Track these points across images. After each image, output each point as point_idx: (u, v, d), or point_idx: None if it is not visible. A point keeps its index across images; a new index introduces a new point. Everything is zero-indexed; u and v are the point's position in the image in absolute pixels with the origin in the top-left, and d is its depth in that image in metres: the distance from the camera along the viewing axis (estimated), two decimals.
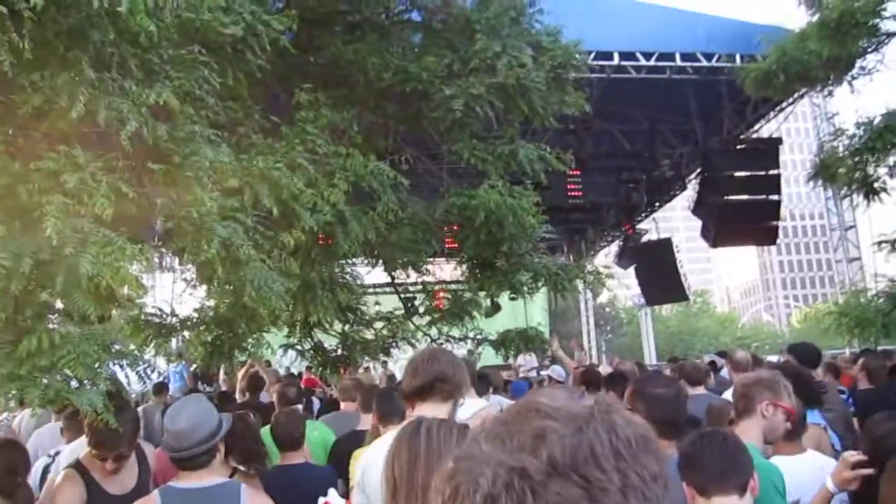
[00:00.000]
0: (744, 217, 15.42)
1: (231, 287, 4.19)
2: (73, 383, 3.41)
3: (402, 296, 9.54)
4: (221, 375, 11.67)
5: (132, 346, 5.05)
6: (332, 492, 3.59)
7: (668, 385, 3.65)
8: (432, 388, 3.05)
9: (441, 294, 9.77)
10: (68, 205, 3.19)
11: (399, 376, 14.08)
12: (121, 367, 3.90)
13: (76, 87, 3.33)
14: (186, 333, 5.55)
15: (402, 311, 9.37)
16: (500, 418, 0.90)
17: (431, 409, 3.04)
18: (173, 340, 6.23)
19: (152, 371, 4.11)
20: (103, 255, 3.20)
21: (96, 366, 3.44)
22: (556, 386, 8.79)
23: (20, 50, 2.92)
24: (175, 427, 3.11)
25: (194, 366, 11.48)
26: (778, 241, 16.90)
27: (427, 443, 2.23)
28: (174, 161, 3.75)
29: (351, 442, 5.27)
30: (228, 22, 4.44)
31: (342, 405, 6.82)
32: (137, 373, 3.99)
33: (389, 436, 3.12)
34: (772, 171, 14.92)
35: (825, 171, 10.46)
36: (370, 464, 3.05)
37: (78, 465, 3.82)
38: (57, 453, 5.36)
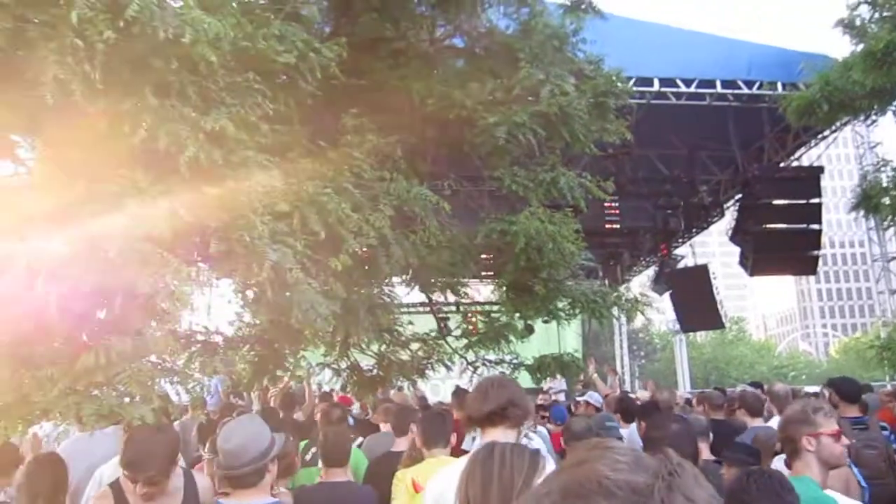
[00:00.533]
0: (783, 246, 15.28)
1: (278, 308, 4.28)
2: (125, 398, 3.52)
3: (438, 316, 9.60)
4: (254, 392, 11.81)
5: (179, 363, 5.17)
6: None
7: (663, 425, 3.70)
8: (504, 414, 3.10)
9: (475, 316, 9.82)
10: (130, 228, 3.31)
11: (431, 398, 14.14)
12: (171, 383, 4.01)
13: (139, 114, 3.46)
14: (230, 351, 5.66)
15: (436, 333, 9.42)
16: (562, 485, 0.92)
17: (501, 435, 3.09)
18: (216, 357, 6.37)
19: (202, 389, 4.20)
20: (160, 276, 3.31)
21: (149, 383, 3.54)
22: (611, 438, 8.76)
23: (91, 80, 3.05)
24: (228, 446, 3.19)
25: (228, 381, 11.62)
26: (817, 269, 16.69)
27: (500, 466, 2.29)
28: (228, 185, 3.87)
29: (385, 463, 5.34)
30: (282, 50, 4.58)
31: (382, 427, 6.88)
32: (188, 390, 4.09)
33: (458, 462, 3.17)
34: (813, 200, 14.79)
35: (867, 201, 10.38)
36: (441, 489, 3.08)
37: (115, 486, 3.53)
38: None
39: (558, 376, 11.74)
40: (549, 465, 2.43)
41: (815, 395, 8.01)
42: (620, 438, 5.72)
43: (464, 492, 2.31)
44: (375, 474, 5.32)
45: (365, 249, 5.23)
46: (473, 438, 5.32)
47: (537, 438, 6.19)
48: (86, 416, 3.29)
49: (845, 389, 6.26)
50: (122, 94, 3.49)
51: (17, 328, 3.25)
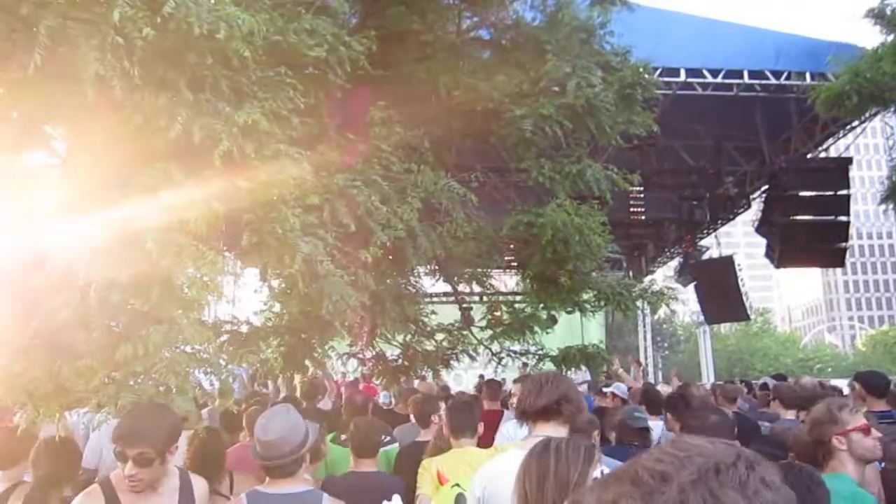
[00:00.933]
0: (810, 238, 15.13)
1: (309, 299, 4.34)
2: (161, 388, 3.60)
3: (462, 306, 9.65)
4: (280, 380, 11.97)
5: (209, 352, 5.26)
6: (396, 497, 3.71)
7: (702, 416, 3.70)
8: (558, 409, 3.15)
9: (500, 307, 9.86)
10: (165, 220, 3.38)
11: (454, 387, 14.21)
12: (204, 373, 4.08)
13: (174, 108, 3.52)
14: (260, 341, 5.74)
15: (461, 323, 9.48)
16: (612, 473, 0.98)
17: (552, 430, 3.13)
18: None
19: (234, 380, 4.27)
20: (196, 267, 3.38)
21: (184, 372, 3.62)
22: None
23: (130, 75, 3.12)
24: (266, 437, 3.26)
25: (252, 368, 11.76)
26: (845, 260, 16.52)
27: (556, 461, 2.35)
28: (261, 178, 3.92)
29: (410, 453, 5.40)
30: (313, 44, 4.63)
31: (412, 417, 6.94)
32: (220, 379, 4.16)
33: (512, 451, 3.21)
34: (841, 192, 14.63)
35: None
36: (491, 480, 3.13)
37: (105, 482, 3.22)
38: None
39: (583, 367, 11.79)
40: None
41: (841, 392, 7.96)
42: (648, 430, 5.73)
43: (522, 485, 2.36)
44: (402, 464, 5.39)
45: (392, 241, 5.28)
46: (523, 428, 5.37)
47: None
48: (122, 404, 3.37)
49: (873, 383, 6.22)
50: (157, 89, 3.55)
51: (56, 318, 3.33)
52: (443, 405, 5.84)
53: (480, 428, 4.57)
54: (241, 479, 4.22)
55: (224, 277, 4.47)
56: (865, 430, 3.45)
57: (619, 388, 9.81)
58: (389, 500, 3.71)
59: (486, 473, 3.19)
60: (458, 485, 3.67)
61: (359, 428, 4.85)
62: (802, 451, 4.22)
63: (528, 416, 3.25)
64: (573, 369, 10.69)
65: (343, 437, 5.30)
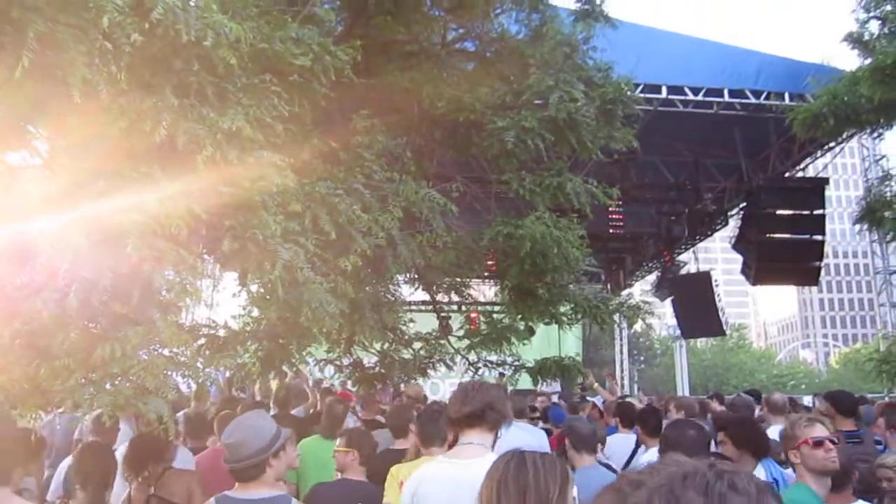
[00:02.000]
0: (785, 256, 15.35)
1: (288, 305, 4.37)
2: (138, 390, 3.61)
3: (440, 315, 9.69)
4: (257, 385, 11.93)
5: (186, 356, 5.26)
6: None
7: (682, 428, 3.78)
8: (483, 416, 3.22)
9: (477, 316, 9.91)
10: (147, 224, 3.40)
11: (430, 396, 14.21)
12: (182, 376, 4.10)
13: (159, 112, 3.55)
14: (238, 346, 5.74)
15: (439, 332, 9.52)
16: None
17: (478, 437, 3.21)
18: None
19: (211, 383, 4.30)
20: (176, 271, 3.41)
21: (162, 375, 3.63)
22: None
23: (117, 80, 3.15)
24: (227, 440, 3.31)
25: (229, 372, 11.72)
26: (819, 278, 16.74)
27: (535, 476, 2.38)
28: (243, 184, 3.95)
29: (383, 461, 5.43)
30: (298, 52, 4.67)
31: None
32: (198, 382, 4.18)
33: (438, 458, 3.29)
34: (816, 211, 14.86)
35: (871, 214, 10.46)
36: (419, 484, 3.20)
37: None
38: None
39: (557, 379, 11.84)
40: None
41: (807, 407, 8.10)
42: None
43: (494, 498, 2.39)
44: (374, 472, 5.42)
45: (373, 249, 5.31)
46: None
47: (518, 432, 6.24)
48: (101, 406, 3.38)
49: (841, 402, 6.34)
50: (143, 94, 3.57)
51: (36, 318, 3.34)
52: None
53: (450, 437, 4.61)
54: None
55: (203, 281, 4.49)
56: (816, 444, 3.57)
57: (599, 400, 9.89)
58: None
59: (415, 477, 3.29)
60: None
61: (352, 438, 4.90)
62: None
63: (454, 423, 3.34)
64: (546, 381, 10.77)
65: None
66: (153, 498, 4.70)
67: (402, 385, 10.51)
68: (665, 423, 5.68)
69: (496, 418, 3.27)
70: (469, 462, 3.13)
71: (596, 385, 10.68)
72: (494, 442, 3.32)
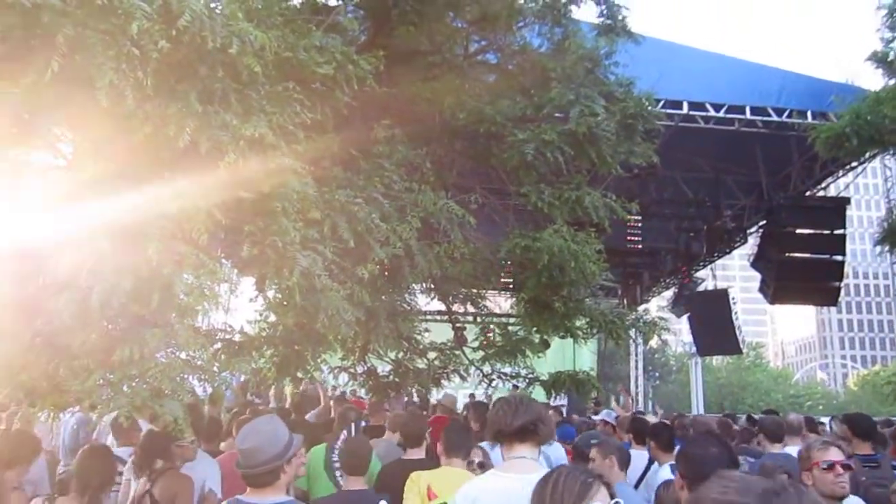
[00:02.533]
0: (805, 275, 15.19)
1: (305, 312, 4.40)
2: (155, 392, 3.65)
3: (455, 326, 9.70)
4: (272, 391, 12.00)
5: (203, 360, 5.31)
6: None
7: (705, 445, 3.73)
8: (535, 430, 3.20)
9: (493, 328, 9.91)
10: (168, 228, 3.44)
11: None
12: (198, 380, 4.13)
13: (184, 119, 3.59)
14: (254, 351, 5.78)
15: (453, 342, 9.53)
16: None
17: (529, 451, 3.19)
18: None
19: (227, 388, 4.33)
20: (196, 276, 3.44)
21: (178, 378, 3.67)
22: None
23: (143, 85, 3.19)
24: (243, 446, 3.32)
25: (244, 377, 11.78)
26: (839, 299, 16.57)
27: (552, 492, 2.41)
28: (264, 191, 3.99)
29: (395, 470, 5.43)
30: (322, 61, 4.71)
31: (389, 435, 6.98)
32: (214, 386, 4.21)
33: (491, 472, 3.28)
34: (837, 231, 14.72)
35: (893, 236, 10.35)
36: (473, 499, 3.18)
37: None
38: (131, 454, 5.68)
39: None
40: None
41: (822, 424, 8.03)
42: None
43: None
44: (385, 482, 5.42)
45: (390, 258, 5.34)
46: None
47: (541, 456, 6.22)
48: (118, 408, 3.41)
49: (858, 425, 6.24)
50: (168, 100, 3.62)
51: (57, 318, 3.38)
52: None
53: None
54: None
55: (221, 286, 4.53)
56: (827, 468, 3.55)
57: (610, 416, 9.83)
58: None
59: (467, 491, 3.25)
60: (445, 503, 3.72)
61: (348, 447, 4.90)
62: None
63: (504, 436, 3.29)
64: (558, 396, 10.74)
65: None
66: (148, 495, 4.78)
67: (427, 395, 10.52)
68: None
69: (546, 432, 3.27)
70: (523, 477, 3.10)
71: (614, 405, 10.64)
72: (539, 456, 3.32)
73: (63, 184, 3.91)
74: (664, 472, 5.77)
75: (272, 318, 5.80)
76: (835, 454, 3.67)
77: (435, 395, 12.40)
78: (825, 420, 12.66)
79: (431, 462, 5.32)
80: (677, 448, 4.27)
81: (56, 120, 3.94)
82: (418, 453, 5.63)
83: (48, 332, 3.36)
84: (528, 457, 3.19)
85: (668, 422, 8.14)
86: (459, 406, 12.03)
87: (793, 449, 6.23)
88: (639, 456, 6.69)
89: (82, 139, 4.04)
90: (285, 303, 4.49)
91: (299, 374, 6.24)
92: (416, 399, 12.91)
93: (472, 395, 13.55)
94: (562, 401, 15.94)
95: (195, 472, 5.18)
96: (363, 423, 7.93)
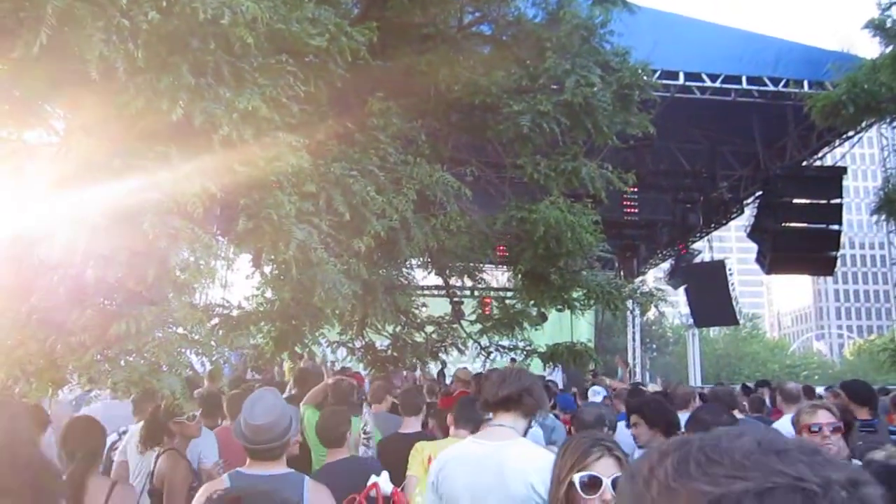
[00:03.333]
0: (801, 245, 15.20)
1: (301, 286, 4.39)
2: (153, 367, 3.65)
3: (453, 300, 9.72)
4: (276, 367, 12.06)
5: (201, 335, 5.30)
6: (384, 474, 3.79)
7: (717, 414, 3.75)
8: (519, 400, 3.23)
9: (490, 301, 9.93)
10: (163, 202, 3.42)
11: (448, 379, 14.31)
12: (196, 354, 4.13)
13: (176, 91, 3.56)
14: (251, 326, 5.78)
15: (451, 316, 9.55)
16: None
17: (511, 420, 3.23)
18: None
19: (225, 361, 4.33)
20: (191, 250, 3.43)
21: (175, 353, 3.66)
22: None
23: (134, 58, 3.16)
24: (255, 422, 3.31)
25: (243, 354, 11.80)
26: (835, 269, 16.61)
27: (560, 455, 2.56)
28: (259, 164, 3.96)
29: (393, 444, 5.48)
30: (315, 33, 4.65)
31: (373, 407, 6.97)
32: (212, 361, 4.21)
33: (468, 439, 3.34)
34: (834, 200, 14.71)
35: (890, 204, 10.35)
36: (444, 464, 3.24)
37: None
38: (124, 431, 5.68)
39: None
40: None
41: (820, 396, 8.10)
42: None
43: None
44: (384, 455, 5.47)
45: (386, 231, 5.32)
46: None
47: (536, 428, 6.23)
48: (116, 383, 3.41)
49: (857, 392, 6.33)
50: (160, 72, 3.58)
51: (52, 294, 3.37)
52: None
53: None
54: None
55: (217, 262, 4.51)
56: (813, 431, 3.59)
57: (596, 394, 9.85)
58: (378, 475, 3.79)
59: (440, 459, 3.31)
60: None
61: (325, 419, 4.91)
62: None
63: (490, 405, 3.35)
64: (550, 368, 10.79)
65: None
66: (149, 475, 4.82)
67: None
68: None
69: (532, 404, 3.29)
70: (497, 444, 3.15)
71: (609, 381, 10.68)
72: (527, 429, 3.34)
73: (56, 160, 3.89)
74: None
75: (269, 293, 5.79)
76: (822, 417, 3.71)
77: (433, 369, 12.45)
78: (820, 390, 12.77)
79: (425, 435, 5.38)
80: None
81: (47, 96, 3.91)
82: (415, 425, 5.69)
83: (43, 308, 3.34)
84: (506, 425, 3.23)
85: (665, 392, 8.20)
86: None
87: (789, 418, 6.29)
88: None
89: (74, 115, 4.01)
90: (282, 277, 4.48)
91: (297, 349, 6.25)
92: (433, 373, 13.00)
93: (496, 369, 13.61)
94: (554, 375, 16.00)
95: (190, 449, 5.20)
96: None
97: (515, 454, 3.08)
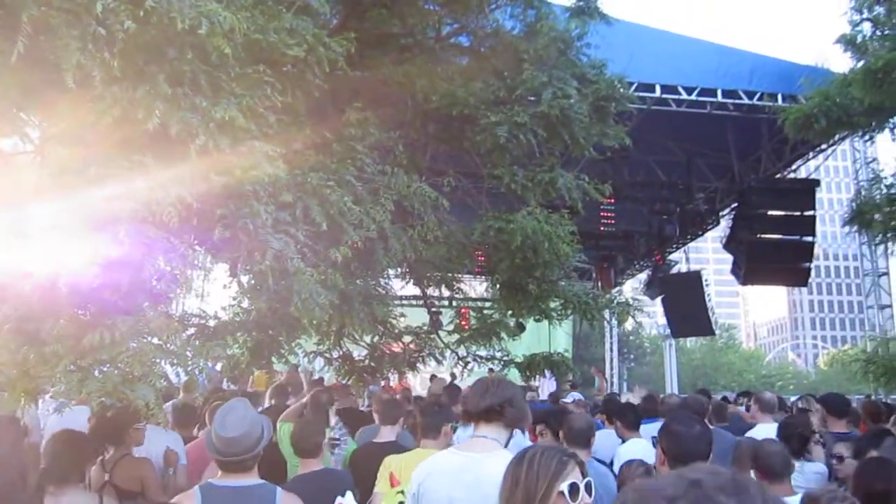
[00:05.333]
0: (776, 256, 15.37)
1: (278, 296, 4.38)
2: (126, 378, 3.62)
3: (431, 310, 9.73)
4: (251, 380, 11.96)
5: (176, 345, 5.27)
6: (348, 494, 3.77)
7: (689, 423, 3.75)
8: (501, 412, 3.21)
9: (467, 312, 9.95)
10: (138, 211, 3.40)
11: (419, 390, 14.28)
12: (170, 364, 4.10)
13: (152, 101, 3.55)
14: (228, 336, 5.75)
15: (429, 326, 9.55)
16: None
17: (493, 432, 3.21)
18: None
19: (200, 371, 4.30)
20: (166, 260, 3.42)
21: (150, 363, 3.64)
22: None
23: (110, 66, 3.15)
24: (227, 434, 3.27)
25: (219, 365, 11.72)
26: (809, 280, 16.79)
27: (527, 470, 2.45)
28: (235, 174, 3.96)
29: (365, 453, 5.47)
30: (292, 43, 4.66)
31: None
32: (187, 372, 4.19)
33: (442, 451, 3.33)
34: (807, 212, 14.90)
35: (861, 216, 10.48)
36: (426, 477, 3.22)
37: None
38: None
39: (548, 377, 11.88)
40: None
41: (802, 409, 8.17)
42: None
43: (501, 492, 2.48)
44: (355, 464, 5.47)
45: (363, 241, 5.33)
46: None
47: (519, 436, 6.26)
48: (89, 393, 3.38)
49: (833, 405, 6.52)
50: (136, 82, 3.57)
51: (24, 304, 3.35)
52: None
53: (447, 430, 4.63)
54: None
55: (193, 272, 4.50)
56: None
57: (572, 398, 9.90)
58: (343, 496, 3.76)
59: (421, 471, 3.29)
60: (402, 492, 3.75)
61: (299, 430, 4.90)
62: None
63: (472, 416, 3.32)
64: (540, 377, 10.81)
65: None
66: (108, 485, 4.72)
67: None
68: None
69: (514, 416, 3.26)
70: (479, 456, 3.13)
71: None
72: (509, 440, 3.32)
73: (31, 169, 3.87)
74: (630, 447, 5.90)
75: (245, 303, 5.77)
76: None
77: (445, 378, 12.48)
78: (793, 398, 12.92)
79: (398, 445, 5.38)
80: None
81: (22, 104, 3.88)
82: (390, 434, 5.69)
83: (16, 317, 3.31)
84: (489, 437, 3.20)
85: (639, 401, 8.25)
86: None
87: (764, 427, 6.37)
88: (612, 435, 6.79)
89: (50, 123, 3.99)
90: (258, 287, 4.47)
91: (274, 360, 6.23)
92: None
93: (452, 375, 13.56)
94: (543, 384, 16.04)
95: (150, 451, 5.16)
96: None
97: (500, 465, 3.08)
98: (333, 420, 6.06)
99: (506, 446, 3.25)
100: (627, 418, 6.37)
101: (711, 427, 6.78)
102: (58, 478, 3.82)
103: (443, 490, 3.15)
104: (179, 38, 3.64)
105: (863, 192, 11.86)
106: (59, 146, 3.72)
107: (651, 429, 6.19)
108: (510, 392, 3.28)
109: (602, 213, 15.98)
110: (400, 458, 4.44)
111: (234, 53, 4.03)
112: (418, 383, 17.82)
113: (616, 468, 5.67)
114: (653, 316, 29.00)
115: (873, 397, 13.63)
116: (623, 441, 6.37)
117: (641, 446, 5.97)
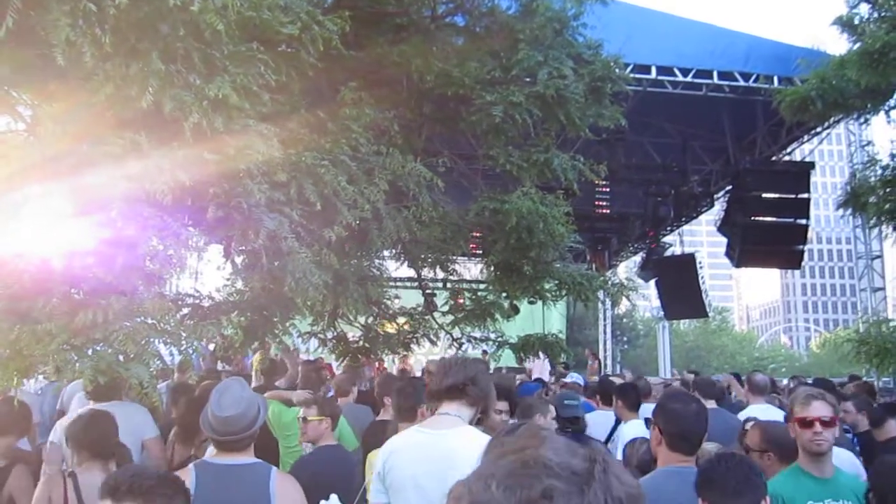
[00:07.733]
0: (769, 239, 15.41)
1: (272, 276, 4.37)
2: (120, 356, 3.61)
3: (425, 291, 9.72)
4: (251, 363, 11.95)
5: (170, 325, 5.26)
6: (333, 497, 3.77)
7: (686, 401, 3.74)
8: (463, 390, 3.23)
9: (462, 293, 9.94)
10: (132, 191, 3.38)
11: (416, 370, 14.30)
12: (164, 344, 4.09)
13: (145, 78, 3.52)
14: (222, 316, 5.73)
15: (423, 308, 9.55)
16: (507, 468, 1.02)
17: (455, 409, 3.23)
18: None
19: (194, 351, 4.29)
20: (160, 239, 3.40)
21: (143, 342, 3.63)
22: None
23: (101, 43, 3.11)
24: (223, 413, 3.27)
25: (213, 345, 11.71)
26: (802, 263, 16.84)
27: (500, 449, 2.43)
28: (229, 153, 3.93)
29: (373, 432, 5.49)
30: (286, 21, 4.62)
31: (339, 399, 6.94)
32: (181, 351, 4.18)
33: (408, 430, 3.35)
34: (801, 195, 14.92)
35: (855, 199, 10.48)
36: (391, 454, 3.24)
37: None
38: None
39: (542, 359, 11.90)
40: None
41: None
42: (578, 418, 5.84)
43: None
44: (368, 442, 5.49)
45: (358, 222, 5.31)
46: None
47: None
48: (83, 371, 3.38)
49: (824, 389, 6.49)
50: (129, 59, 3.54)
51: (17, 283, 3.33)
52: None
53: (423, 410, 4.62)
54: None
55: (187, 252, 4.48)
56: (804, 424, 3.58)
57: (576, 378, 9.93)
58: (327, 499, 3.76)
59: (387, 448, 3.32)
60: None
61: (324, 406, 4.95)
62: None
63: (434, 395, 3.35)
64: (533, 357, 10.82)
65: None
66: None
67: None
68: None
69: (477, 394, 3.28)
70: (442, 433, 3.16)
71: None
72: (474, 418, 3.33)
73: (23, 148, 3.83)
74: (631, 428, 5.89)
75: (240, 283, 5.76)
76: (816, 409, 3.58)
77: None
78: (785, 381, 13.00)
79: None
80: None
81: (13, 82, 3.85)
82: (384, 414, 5.74)
83: (8, 296, 3.30)
84: (451, 414, 3.23)
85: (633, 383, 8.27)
86: None
87: (756, 408, 6.38)
88: (605, 417, 6.81)
89: (42, 102, 3.95)
90: (252, 266, 4.46)
91: (268, 340, 6.22)
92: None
93: (442, 359, 13.57)
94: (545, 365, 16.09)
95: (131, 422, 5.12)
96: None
97: (462, 440, 3.09)
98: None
99: (471, 423, 3.27)
100: (630, 398, 6.32)
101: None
102: None
103: (407, 466, 3.18)
104: (172, 14, 3.60)
105: (857, 176, 11.85)
106: (51, 124, 3.68)
107: (647, 409, 6.19)
108: (473, 371, 3.30)
109: (597, 196, 16.01)
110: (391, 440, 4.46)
111: (227, 31, 3.98)
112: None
113: (617, 449, 5.70)
114: (647, 298, 29.09)
115: (864, 379, 13.73)
116: (619, 421, 6.39)
117: (643, 427, 5.99)
